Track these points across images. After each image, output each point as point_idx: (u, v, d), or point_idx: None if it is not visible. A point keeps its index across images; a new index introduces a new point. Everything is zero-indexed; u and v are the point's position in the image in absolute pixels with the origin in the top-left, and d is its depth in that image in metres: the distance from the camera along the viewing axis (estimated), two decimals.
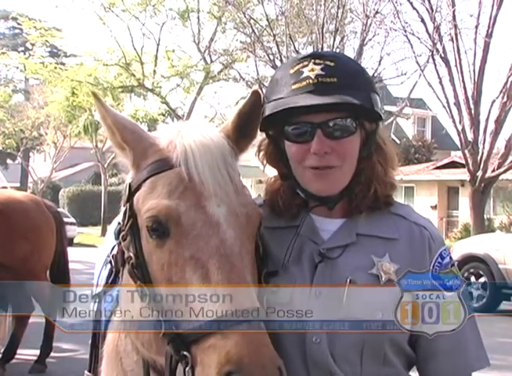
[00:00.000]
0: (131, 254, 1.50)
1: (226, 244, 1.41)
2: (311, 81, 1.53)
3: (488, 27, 18.80)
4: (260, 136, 1.68)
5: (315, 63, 1.54)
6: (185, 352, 1.35)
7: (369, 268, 1.54)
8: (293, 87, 1.54)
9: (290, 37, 21.25)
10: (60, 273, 6.61)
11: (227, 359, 1.28)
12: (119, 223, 1.58)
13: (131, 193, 1.54)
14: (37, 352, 6.51)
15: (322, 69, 1.53)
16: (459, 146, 20.04)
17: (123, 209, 1.56)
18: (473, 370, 1.59)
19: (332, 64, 1.54)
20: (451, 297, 1.55)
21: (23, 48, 36.90)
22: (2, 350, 6.53)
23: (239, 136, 1.58)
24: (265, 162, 1.70)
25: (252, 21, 22.39)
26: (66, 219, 10.53)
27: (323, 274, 1.54)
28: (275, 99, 1.56)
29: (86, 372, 1.94)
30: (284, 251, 1.58)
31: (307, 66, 1.55)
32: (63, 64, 29.74)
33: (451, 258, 1.61)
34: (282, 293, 1.54)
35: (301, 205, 1.63)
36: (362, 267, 1.54)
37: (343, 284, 1.51)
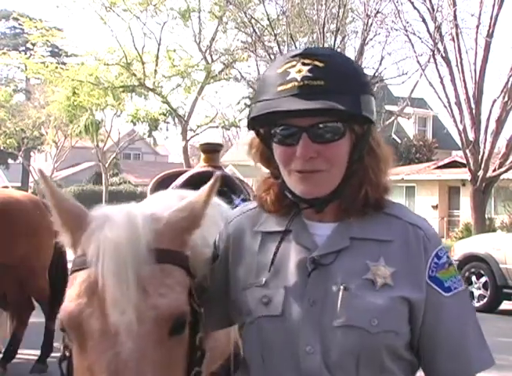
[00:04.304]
0: (61, 347, 1.50)
1: (120, 359, 1.32)
2: (296, 83, 1.46)
3: (489, 26, 18.80)
4: (251, 134, 1.65)
5: (303, 64, 1.48)
6: None
7: (363, 273, 1.48)
8: (279, 89, 1.48)
9: (291, 37, 21.27)
10: (59, 274, 6.61)
11: None
12: None
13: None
14: (38, 352, 6.51)
15: (309, 70, 1.47)
16: (460, 146, 20.03)
17: None
18: (475, 371, 1.54)
19: (321, 65, 1.47)
20: (450, 298, 1.51)
21: (24, 48, 36.90)
22: (3, 350, 6.53)
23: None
24: (256, 160, 1.66)
25: (253, 21, 22.43)
26: None
27: (317, 282, 1.49)
28: (261, 100, 1.52)
29: None
30: (273, 257, 1.54)
31: (295, 66, 1.49)
32: (64, 64, 29.78)
33: (448, 257, 1.56)
34: (273, 304, 1.50)
35: (291, 206, 1.58)
36: (356, 272, 1.48)
37: (337, 292, 1.46)
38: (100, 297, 1.38)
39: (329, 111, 1.45)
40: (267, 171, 1.67)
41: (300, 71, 1.47)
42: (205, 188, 1.53)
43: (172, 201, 1.69)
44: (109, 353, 1.33)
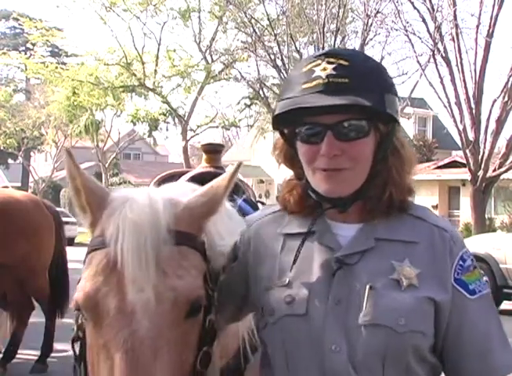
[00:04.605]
0: (74, 327, 1.52)
1: (136, 337, 1.34)
2: (321, 81, 1.47)
3: (489, 26, 18.77)
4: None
5: (328, 62, 1.49)
6: None
7: (389, 273, 1.47)
8: (304, 86, 1.49)
9: (291, 37, 21.28)
10: (59, 274, 6.61)
11: None
12: None
13: (85, 260, 1.51)
14: (38, 352, 6.50)
15: (334, 68, 1.48)
16: (460, 146, 20.02)
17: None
18: (500, 375, 1.52)
19: (346, 64, 1.48)
20: (474, 300, 1.51)
21: (24, 48, 36.94)
22: (3, 350, 6.53)
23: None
24: (280, 161, 1.66)
25: (253, 21, 22.44)
26: (67, 219, 10.55)
27: (342, 281, 1.49)
28: (285, 98, 1.52)
29: None
30: (296, 256, 1.54)
31: (319, 65, 1.50)
32: (64, 64, 29.83)
33: (472, 260, 1.56)
34: (297, 304, 1.50)
35: (314, 206, 1.58)
36: (382, 272, 1.48)
37: (363, 290, 1.46)
38: (118, 275, 1.39)
39: (353, 108, 1.45)
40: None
41: (325, 69, 1.48)
42: (226, 174, 1.55)
43: (186, 190, 1.69)
44: (125, 331, 1.35)
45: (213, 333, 1.52)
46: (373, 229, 1.54)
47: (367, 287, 1.46)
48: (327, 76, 1.47)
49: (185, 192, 1.63)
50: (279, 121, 1.57)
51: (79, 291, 1.42)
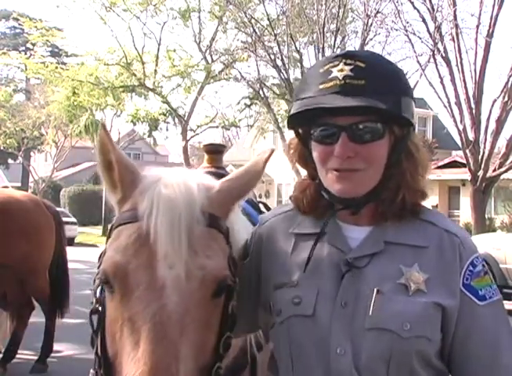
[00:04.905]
0: (94, 300, 1.53)
1: (164, 311, 1.35)
2: (338, 82, 1.48)
3: (489, 26, 18.76)
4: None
5: (345, 64, 1.49)
6: None
7: (397, 277, 1.48)
8: (320, 87, 1.50)
9: (291, 37, 21.27)
10: (59, 274, 6.61)
11: None
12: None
13: (109, 235, 1.52)
14: (38, 352, 6.50)
15: (351, 70, 1.48)
16: (460, 146, 20.00)
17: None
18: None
19: (363, 65, 1.48)
20: (484, 307, 1.50)
21: (24, 48, 36.94)
22: (3, 350, 6.53)
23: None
24: (294, 160, 1.67)
25: (253, 21, 22.42)
26: (67, 219, 10.56)
27: (350, 284, 1.49)
28: (301, 98, 1.53)
29: (91, 371, 1.94)
30: (308, 258, 1.55)
31: (337, 65, 1.50)
32: (64, 64, 29.79)
33: (484, 265, 1.55)
34: (304, 305, 1.51)
35: (327, 207, 1.59)
36: (390, 277, 1.48)
37: (370, 294, 1.46)
38: (150, 249, 1.41)
39: (369, 110, 1.45)
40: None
41: (342, 70, 1.49)
42: (260, 160, 1.57)
43: (207, 178, 1.68)
44: (154, 305, 1.36)
45: (234, 318, 1.53)
46: (383, 232, 1.54)
47: (374, 290, 1.46)
48: (344, 77, 1.48)
49: (207, 179, 1.64)
50: (294, 121, 1.57)
51: (108, 262, 1.43)
